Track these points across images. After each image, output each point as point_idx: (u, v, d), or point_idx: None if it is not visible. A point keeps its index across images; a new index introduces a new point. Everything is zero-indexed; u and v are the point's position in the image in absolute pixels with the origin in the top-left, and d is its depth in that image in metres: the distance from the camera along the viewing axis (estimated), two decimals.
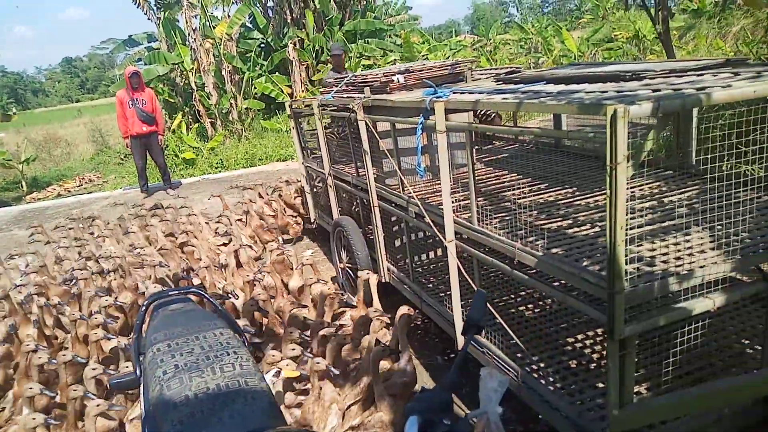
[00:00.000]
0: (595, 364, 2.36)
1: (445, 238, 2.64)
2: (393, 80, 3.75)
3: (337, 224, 4.18)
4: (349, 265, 4.09)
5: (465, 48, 17.34)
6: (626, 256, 1.63)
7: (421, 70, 3.88)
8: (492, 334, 2.51)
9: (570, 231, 2.26)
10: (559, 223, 2.36)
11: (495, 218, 2.46)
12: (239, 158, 10.79)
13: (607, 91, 1.90)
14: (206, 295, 2.15)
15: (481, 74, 4.15)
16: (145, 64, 13.50)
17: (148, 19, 13.58)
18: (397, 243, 3.76)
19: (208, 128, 13.09)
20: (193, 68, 12.99)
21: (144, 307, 2.05)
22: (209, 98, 12.83)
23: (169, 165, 11.41)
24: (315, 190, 5.35)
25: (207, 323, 1.94)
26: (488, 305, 2.39)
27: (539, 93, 2.17)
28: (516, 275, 2.21)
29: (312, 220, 5.45)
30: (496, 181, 3.27)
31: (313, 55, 13.97)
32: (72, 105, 45.67)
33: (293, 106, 5.25)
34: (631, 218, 1.64)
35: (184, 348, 1.78)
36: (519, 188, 2.97)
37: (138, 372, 1.82)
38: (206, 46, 12.58)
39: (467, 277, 2.53)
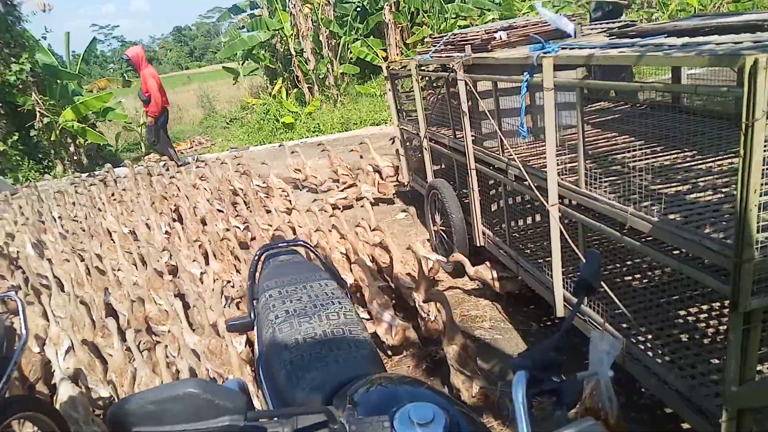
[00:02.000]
0: (709, 339, 2.20)
1: (547, 202, 2.54)
2: (495, 37, 3.62)
3: (431, 187, 4.17)
4: (443, 228, 4.08)
5: (570, 4, 16.28)
6: (758, 222, 1.48)
7: (525, 26, 3.71)
8: (596, 303, 2.41)
9: (689, 197, 2.10)
10: (677, 188, 2.19)
11: (604, 182, 2.33)
12: (335, 123, 11.00)
13: (741, 42, 1.70)
14: (312, 248, 2.24)
15: (592, 29, 3.89)
16: (248, 31, 14.00)
17: None
18: (494, 207, 3.69)
19: (306, 93, 13.43)
20: (292, 34, 13.29)
21: (256, 256, 2.18)
22: (307, 63, 13.11)
23: (270, 129, 11.93)
24: (409, 152, 5.35)
25: (313, 274, 2.03)
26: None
27: (660, 46, 1.99)
28: (627, 242, 2.09)
29: (405, 183, 5.47)
30: (606, 144, 3.08)
31: (408, 17, 13.76)
32: (182, 72, 48.59)
33: (389, 68, 5.23)
34: (765, 183, 1.48)
35: (294, 295, 1.89)
36: (631, 151, 2.78)
37: (252, 315, 1.95)
38: (305, 12, 12.79)
39: (570, 242, 2.43)
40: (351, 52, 13.53)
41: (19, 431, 2.21)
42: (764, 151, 1.41)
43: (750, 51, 1.45)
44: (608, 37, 3.13)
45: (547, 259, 2.77)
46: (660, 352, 2.14)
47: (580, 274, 1.30)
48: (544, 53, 2.48)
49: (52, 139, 9.61)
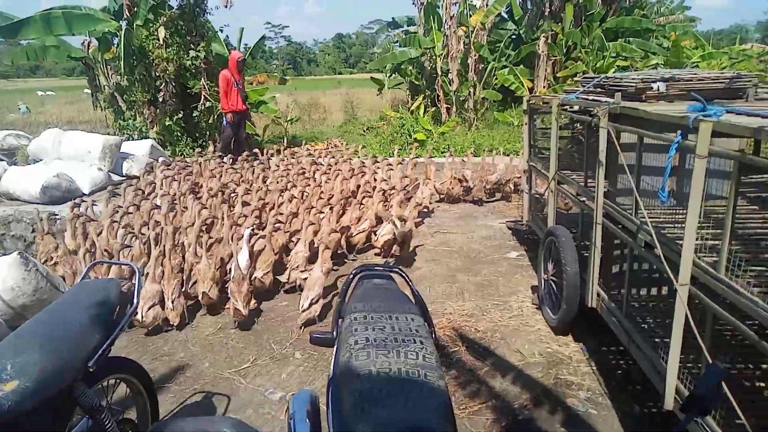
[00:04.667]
0: None
1: (677, 280, 2.25)
2: (652, 87, 3.33)
3: (550, 233, 3.92)
4: (554, 279, 3.81)
5: (749, 59, 14.65)
6: None
7: (690, 80, 3.36)
8: (718, 412, 2.08)
9: None
10: None
11: (751, 271, 2.01)
12: (465, 146, 10.91)
13: None
14: (407, 277, 2.19)
15: None
16: (400, 46, 14.44)
17: (413, 3, 14.43)
18: (614, 269, 3.37)
19: (444, 113, 13.51)
20: (442, 54, 13.46)
21: (352, 276, 2.17)
22: (450, 84, 13.19)
23: (402, 143, 12.16)
24: (533, 191, 5.11)
25: (402, 305, 1.97)
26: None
27: None
28: (764, 347, 1.77)
29: (524, 222, 5.24)
30: (758, 224, 2.68)
31: (564, 51, 13.31)
32: (334, 77, 51.56)
33: (530, 101, 5.05)
34: None
35: (378, 324, 1.84)
36: None
37: (335, 333, 1.94)
38: (459, 34, 12.90)
39: (696, 332, 2.12)
40: (496, 79, 13.38)
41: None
42: None
43: None
44: None
45: (666, 340, 2.46)
46: None
47: (694, 389, 1.11)
48: (704, 116, 2.21)
49: (209, 121, 10.60)
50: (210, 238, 4.53)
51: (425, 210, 6.63)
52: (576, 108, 3.87)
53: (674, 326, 2.28)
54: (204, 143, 10.92)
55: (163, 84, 9.94)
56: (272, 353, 3.65)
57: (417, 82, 14.83)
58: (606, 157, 3.11)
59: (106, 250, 4.29)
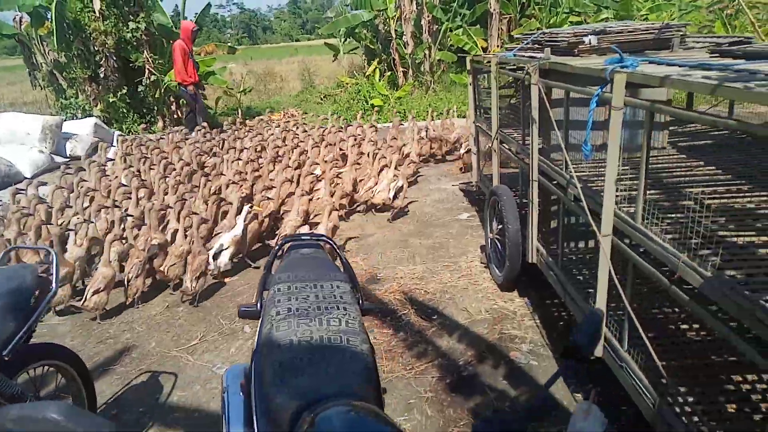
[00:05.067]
0: (762, 416, 1.90)
1: (599, 231, 2.30)
2: (584, 41, 3.33)
3: (493, 192, 3.96)
4: (498, 237, 3.87)
5: (698, 9, 14.83)
6: None
7: (620, 32, 3.38)
8: (636, 350, 2.17)
9: (764, 251, 1.80)
10: (750, 239, 1.89)
11: (667, 219, 2.06)
12: (421, 110, 10.85)
13: None
14: (336, 245, 2.18)
15: (698, 42, 3.47)
16: (352, 9, 14.08)
17: None
18: (553, 224, 3.44)
19: (400, 77, 13.35)
20: (395, 16, 13.21)
21: (277, 247, 2.14)
22: (405, 47, 13.01)
23: (358, 109, 12.01)
24: (481, 151, 5.13)
25: (328, 273, 1.96)
26: (635, 321, 2.06)
27: (756, 74, 1.70)
28: (674, 293, 1.84)
29: (473, 183, 5.27)
30: (686, 174, 2.75)
31: (518, 8, 13.21)
32: (291, 44, 50.22)
33: (473, 61, 5.02)
34: None
35: (302, 293, 1.82)
36: (711, 186, 2.46)
37: (259, 306, 1.92)
38: None
39: (617, 282, 2.19)
40: (451, 40, 13.24)
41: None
42: None
43: None
44: (710, 54, 2.78)
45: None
46: (696, 420, 1.88)
47: (572, 336, 1.13)
48: (621, 67, 2.22)
49: (156, 96, 10.24)
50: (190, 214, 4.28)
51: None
52: (513, 66, 3.85)
53: (599, 278, 2.35)
54: (152, 119, 10.57)
55: (103, 59, 9.52)
56: (221, 329, 3.63)
57: (372, 46, 14.56)
58: (539, 114, 3.12)
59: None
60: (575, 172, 2.59)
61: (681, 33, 3.22)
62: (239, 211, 4.40)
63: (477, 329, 3.44)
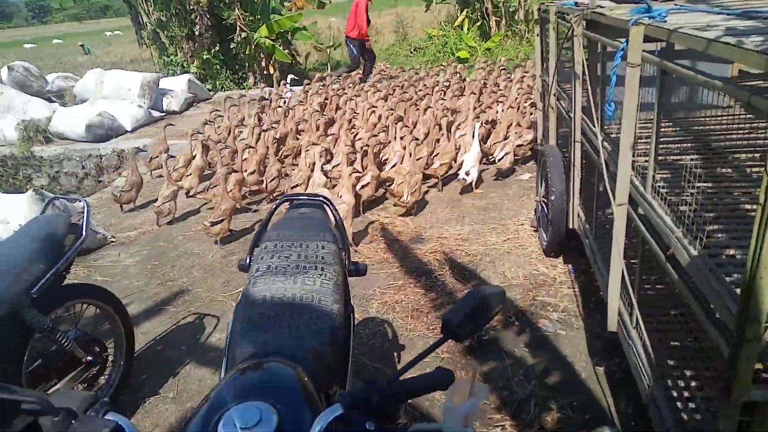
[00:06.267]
0: None
1: (614, 199, 2.13)
2: None
3: (542, 153, 3.75)
4: (544, 200, 3.68)
5: None
6: None
7: None
8: (639, 326, 2.02)
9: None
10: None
11: (679, 190, 1.86)
12: (509, 61, 10.33)
13: None
14: (332, 206, 2.20)
15: None
16: None
17: None
18: (599, 189, 3.20)
19: (493, 27, 12.73)
20: None
21: (275, 205, 2.22)
22: None
23: (445, 62, 11.69)
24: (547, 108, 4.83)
25: (317, 234, 2.00)
26: (632, 298, 1.91)
27: None
28: (666, 267, 1.67)
29: (538, 141, 5.00)
30: (719, 138, 2.43)
31: None
32: None
33: (540, 9, 4.67)
34: None
35: (285, 252, 1.88)
36: (736, 152, 2.17)
37: (248, 261, 2.02)
38: None
39: (618, 253, 2.03)
40: None
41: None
42: None
43: None
44: None
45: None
46: (685, 407, 1.73)
47: (446, 314, 1.09)
48: (649, 17, 1.98)
49: (247, 52, 10.64)
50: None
51: None
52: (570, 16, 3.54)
53: (614, 248, 2.18)
54: (244, 75, 11.03)
55: (198, 17, 10.00)
56: None
57: None
58: (582, 69, 2.88)
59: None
60: (611, 133, 2.39)
61: None
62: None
63: (510, 294, 3.35)
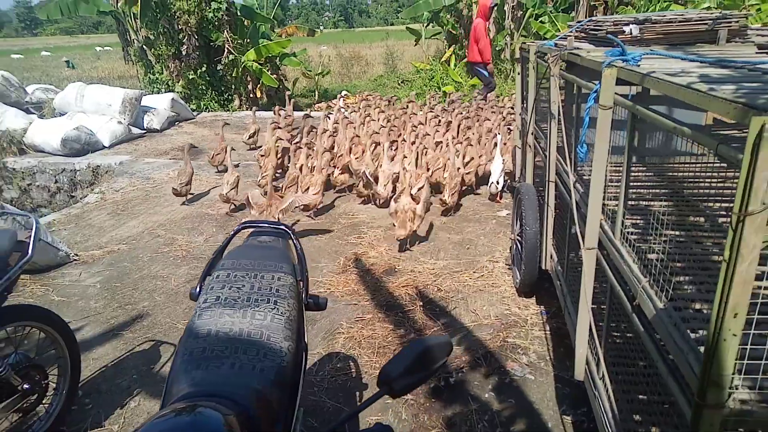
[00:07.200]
0: None
1: (583, 242, 2.07)
2: (624, 31, 3.01)
3: (518, 190, 3.72)
4: (519, 238, 3.63)
5: None
6: (738, 359, 1.00)
7: (668, 22, 3.02)
8: (605, 377, 1.94)
9: None
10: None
11: (649, 237, 1.81)
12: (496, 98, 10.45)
13: None
14: (294, 236, 2.11)
15: (765, 35, 3.04)
16: None
17: None
18: (573, 230, 3.16)
19: None
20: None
21: (233, 232, 2.12)
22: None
23: (428, 96, 11.80)
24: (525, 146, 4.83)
25: (274, 264, 1.90)
26: (599, 349, 1.83)
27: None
28: (632, 317, 1.61)
29: (516, 178, 4.99)
30: (710, 185, 2.42)
31: None
32: (385, 27, 50.17)
33: (522, 49, 4.72)
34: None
35: (237, 283, 1.78)
36: (707, 201, 2.14)
37: (198, 290, 1.90)
38: None
39: (586, 297, 1.96)
40: (534, 27, 12.61)
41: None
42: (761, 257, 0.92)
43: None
44: (759, 50, 2.41)
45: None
46: None
47: (386, 365, 1.00)
48: (619, 60, 1.96)
49: (234, 75, 10.63)
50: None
51: None
52: (549, 57, 3.56)
53: (582, 293, 2.12)
54: (229, 96, 10.99)
55: (186, 37, 9.99)
56: None
57: (454, 32, 14.20)
58: (558, 109, 2.87)
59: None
60: (584, 175, 2.35)
61: (735, 25, 2.81)
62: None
63: (480, 334, 3.27)
